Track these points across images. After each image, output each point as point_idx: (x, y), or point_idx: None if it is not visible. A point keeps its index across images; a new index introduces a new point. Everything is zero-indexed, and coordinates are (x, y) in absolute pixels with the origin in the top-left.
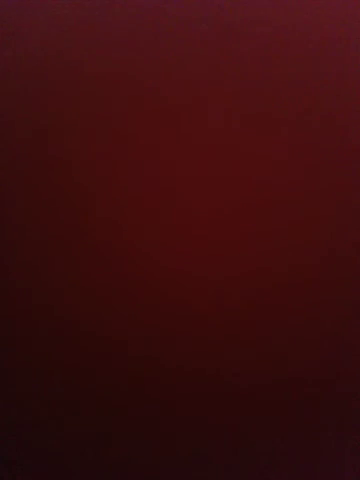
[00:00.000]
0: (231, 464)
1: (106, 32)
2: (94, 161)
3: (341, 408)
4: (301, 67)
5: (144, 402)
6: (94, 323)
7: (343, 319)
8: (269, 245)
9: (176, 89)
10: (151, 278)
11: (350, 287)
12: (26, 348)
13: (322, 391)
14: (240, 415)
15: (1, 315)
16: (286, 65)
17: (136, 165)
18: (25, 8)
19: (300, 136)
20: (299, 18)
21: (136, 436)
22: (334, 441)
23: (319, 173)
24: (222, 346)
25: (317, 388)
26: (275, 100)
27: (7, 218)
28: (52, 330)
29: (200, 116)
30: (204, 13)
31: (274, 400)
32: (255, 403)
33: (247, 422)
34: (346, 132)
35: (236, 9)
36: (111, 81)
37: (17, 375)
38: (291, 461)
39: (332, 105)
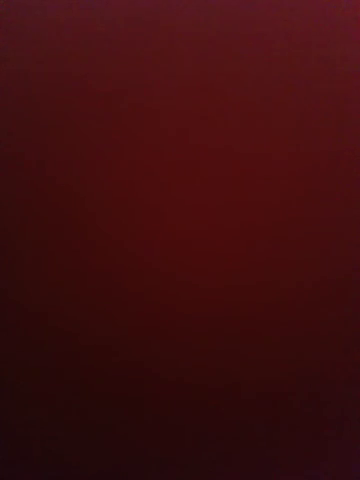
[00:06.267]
0: (230, 466)
1: (104, 32)
2: (93, 163)
3: (344, 425)
4: (303, 66)
5: (141, 412)
6: (92, 331)
7: (346, 333)
8: (272, 256)
9: (176, 89)
10: (152, 287)
11: (355, 301)
12: (23, 357)
13: (323, 404)
14: (240, 428)
15: None
16: (287, 65)
17: (136, 168)
18: (24, 13)
19: (305, 141)
20: (300, 18)
21: (134, 443)
22: (335, 446)
23: (327, 180)
24: (222, 355)
25: (318, 400)
26: (276, 101)
27: (6, 224)
28: (49, 338)
29: (200, 121)
30: (205, 15)
31: (273, 409)
32: (254, 414)
33: (246, 433)
34: (353, 133)
35: (236, 10)
36: (110, 80)
37: (14, 383)
38: (292, 464)
39: (335, 105)
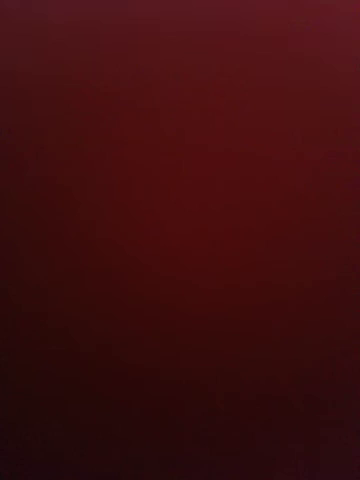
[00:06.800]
0: (230, 467)
1: (104, 33)
2: (93, 164)
3: (344, 427)
4: (304, 67)
5: (141, 413)
6: (92, 332)
7: (347, 335)
8: (272, 257)
9: (176, 91)
10: (152, 288)
11: (355, 303)
12: (24, 360)
13: (323, 406)
14: (240, 429)
15: None
16: (287, 66)
17: (136, 170)
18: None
19: (304, 143)
20: (301, 17)
21: (134, 444)
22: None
23: (327, 181)
24: (222, 356)
25: (318, 401)
26: (276, 103)
27: (5, 226)
28: (50, 342)
29: (200, 122)
30: (206, 15)
31: (273, 410)
32: (254, 415)
33: (246, 434)
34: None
35: (239, 12)
36: (109, 81)
37: (14, 386)
38: (291, 465)
39: (336, 107)
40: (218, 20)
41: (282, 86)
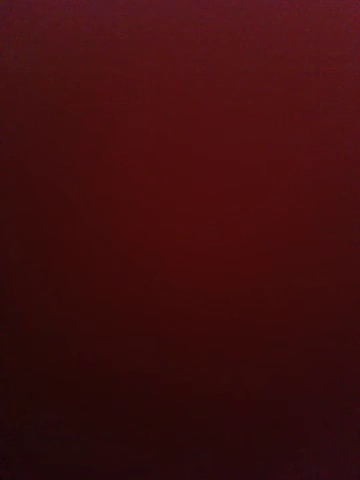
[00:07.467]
0: (231, 471)
1: (105, 33)
2: (92, 165)
3: (345, 431)
4: (304, 64)
5: (143, 418)
6: (94, 337)
7: (350, 339)
8: (274, 263)
9: (177, 93)
10: (151, 295)
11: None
12: (24, 362)
13: (326, 410)
14: (242, 434)
15: None
16: (288, 62)
17: (137, 174)
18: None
19: (307, 148)
20: (302, 13)
21: (135, 451)
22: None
23: (331, 185)
24: (225, 362)
25: (325, 410)
26: (278, 103)
27: (5, 227)
28: (48, 345)
29: (203, 125)
30: (208, 17)
31: (272, 417)
32: (258, 421)
33: (248, 439)
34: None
35: (242, 13)
36: (109, 83)
37: (14, 388)
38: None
39: (340, 111)
40: (222, 22)
41: (282, 89)
